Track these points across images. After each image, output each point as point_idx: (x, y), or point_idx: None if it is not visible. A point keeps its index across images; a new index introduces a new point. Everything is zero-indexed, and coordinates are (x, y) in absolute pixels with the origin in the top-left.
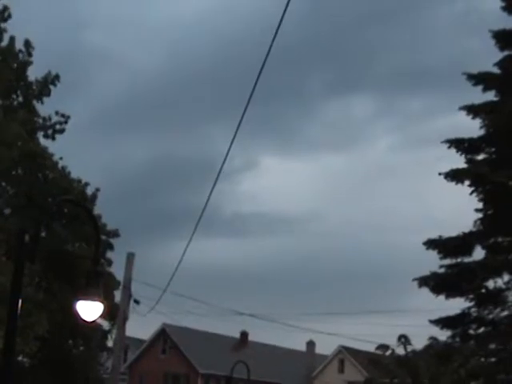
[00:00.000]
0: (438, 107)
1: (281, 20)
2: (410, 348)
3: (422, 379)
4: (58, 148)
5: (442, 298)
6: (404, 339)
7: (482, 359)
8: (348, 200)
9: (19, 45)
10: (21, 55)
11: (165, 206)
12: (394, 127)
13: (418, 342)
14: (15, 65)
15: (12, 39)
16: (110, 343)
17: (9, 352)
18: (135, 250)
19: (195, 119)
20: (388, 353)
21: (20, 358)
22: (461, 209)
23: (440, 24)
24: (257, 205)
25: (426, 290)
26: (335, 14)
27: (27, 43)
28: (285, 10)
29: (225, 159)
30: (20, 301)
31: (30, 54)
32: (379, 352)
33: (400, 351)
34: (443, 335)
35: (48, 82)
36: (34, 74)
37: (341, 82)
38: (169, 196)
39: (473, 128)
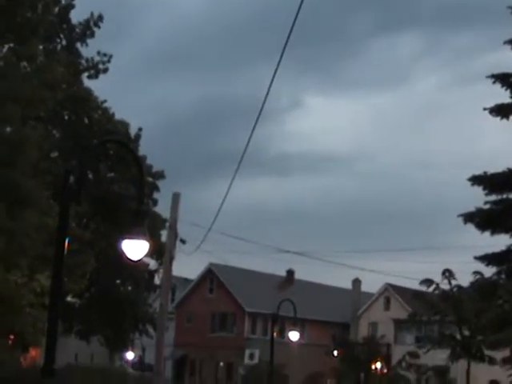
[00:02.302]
0: (486, 43)
1: None
2: (454, 283)
3: (465, 314)
4: (104, 90)
5: (487, 234)
6: (448, 273)
7: None
8: (395, 138)
9: None
10: None
11: (212, 146)
12: (441, 65)
13: (464, 279)
14: (57, 9)
15: None
16: (157, 283)
17: (57, 292)
18: (182, 190)
19: (242, 61)
20: (432, 287)
21: (70, 299)
22: (508, 144)
23: None
24: (302, 144)
25: (471, 227)
26: None
27: None
28: None
29: (266, 97)
30: (66, 241)
31: None
32: (423, 287)
33: (444, 286)
34: (489, 272)
35: (91, 24)
36: (77, 17)
37: (387, 20)
38: (215, 136)
39: None
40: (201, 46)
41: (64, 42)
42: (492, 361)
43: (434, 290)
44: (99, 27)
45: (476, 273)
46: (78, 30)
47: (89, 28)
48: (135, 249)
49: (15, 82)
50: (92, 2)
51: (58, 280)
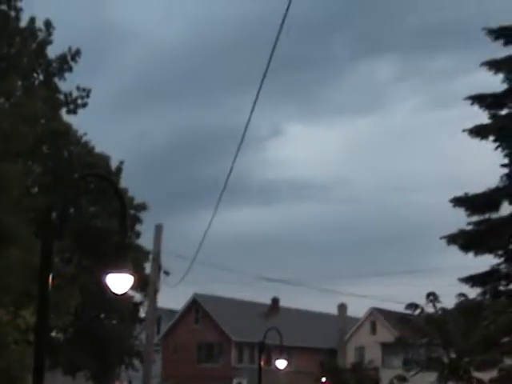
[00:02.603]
0: (462, 66)
1: None
2: (439, 306)
3: (451, 336)
4: (82, 124)
5: (471, 255)
6: (433, 297)
7: None
8: (374, 163)
9: (39, 23)
10: (40, 34)
11: (193, 177)
12: (418, 88)
13: (450, 301)
14: (34, 45)
15: (32, 20)
16: (142, 315)
17: (42, 328)
18: (164, 222)
19: (221, 90)
20: (417, 311)
21: (54, 334)
22: (487, 166)
23: None
24: (283, 172)
25: (455, 249)
26: None
27: (47, 23)
28: None
29: (247, 125)
30: (50, 278)
31: (49, 34)
32: (409, 311)
33: (429, 309)
34: (473, 293)
35: (68, 58)
36: (54, 52)
37: (365, 46)
38: (197, 166)
39: (497, 84)
40: (180, 78)
41: (41, 77)
42: (480, 382)
43: (419, 313)
44: (76, 62)
45: (460, 295)
46: (54, 64)
47: (66, 62)
48: (119, 282)
49: None
50: (71, 36)
51: (43, 316)
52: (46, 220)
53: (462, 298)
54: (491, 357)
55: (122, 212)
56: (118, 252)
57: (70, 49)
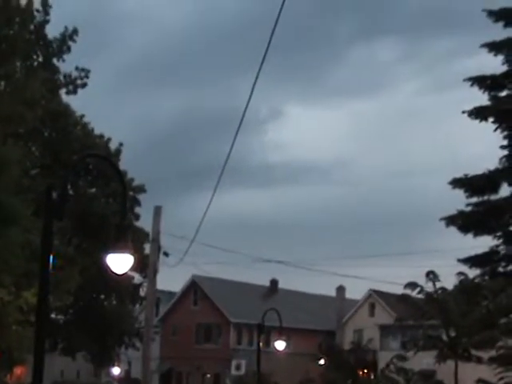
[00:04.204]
0: (463, 48)
1: None
2: (438, 285)
3: (451, 315)
4: (84, 105)
5: (470, 236)
6: (432, 275)
7: None
8: (374, 145)
9: (36, 3)
10: (38, 15)
11: (193, 159)
12: (419, 70)
13: (449, 283)
14: (32, 26)
15: (30, 1)
16: (142, 295)
17: (43, 308)
18: (164, 204)
19: (222, 72)
20: (417, 291)
21: (54, 316)
22: (487, 147)
23: None
24: (283, 154)
25: (454, 231)
26: None
27: (44, 2)
28: None
29: (246, 107)
30: (51, 257)
31: (47, 13)
32: (408, 291)
33: (429, 289)
34: (472, 274)
35: (66, 38)
36: (52, 33)
37: (366, 27)
38: (197, 149)
39: (498, 66)
40: (180, 60)
41: (41, 59)
42: (479, 360)
43: (419, 292)
44: (75, 41)
45: (460, 274)
46: (54, 45)
47: (65, 43)
48: (120, 262)
49: None
50: (70, 17)
51: (44, 297)
52: (47, 200)
53: (462, 277)
54: (490, 336)
55: (122, 193)
56: (118, 232)
57: (66, 28)
